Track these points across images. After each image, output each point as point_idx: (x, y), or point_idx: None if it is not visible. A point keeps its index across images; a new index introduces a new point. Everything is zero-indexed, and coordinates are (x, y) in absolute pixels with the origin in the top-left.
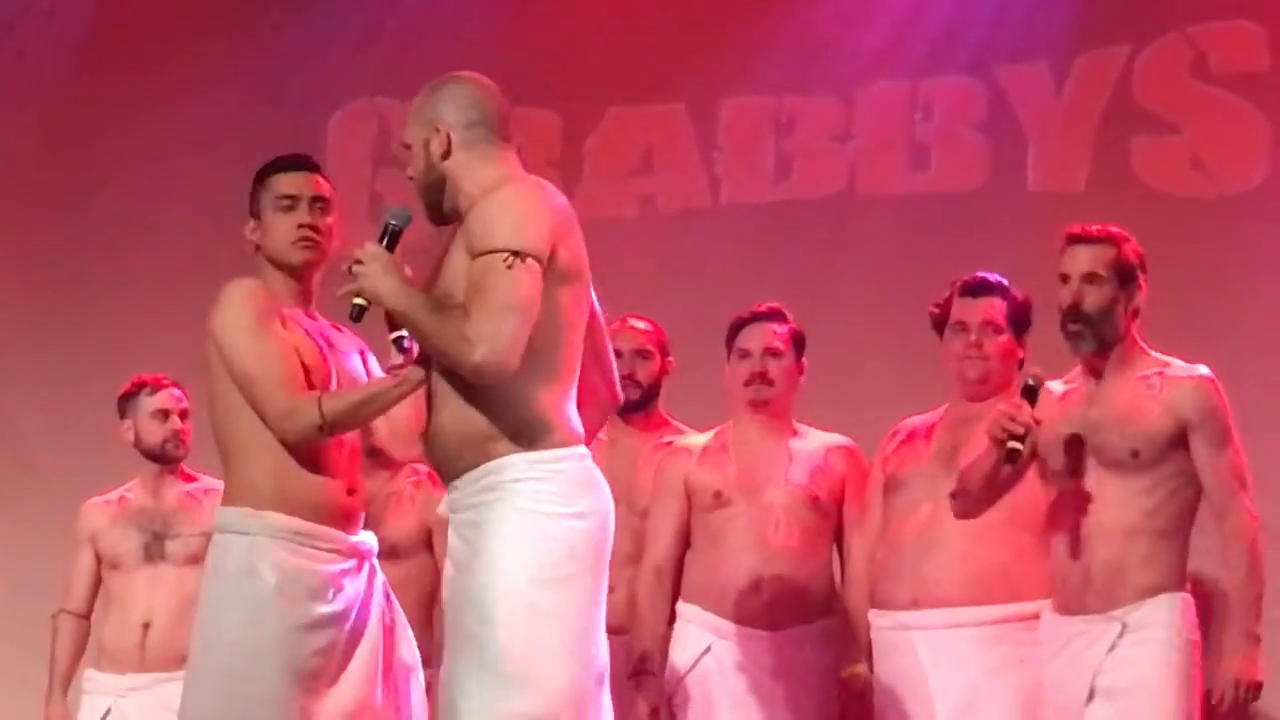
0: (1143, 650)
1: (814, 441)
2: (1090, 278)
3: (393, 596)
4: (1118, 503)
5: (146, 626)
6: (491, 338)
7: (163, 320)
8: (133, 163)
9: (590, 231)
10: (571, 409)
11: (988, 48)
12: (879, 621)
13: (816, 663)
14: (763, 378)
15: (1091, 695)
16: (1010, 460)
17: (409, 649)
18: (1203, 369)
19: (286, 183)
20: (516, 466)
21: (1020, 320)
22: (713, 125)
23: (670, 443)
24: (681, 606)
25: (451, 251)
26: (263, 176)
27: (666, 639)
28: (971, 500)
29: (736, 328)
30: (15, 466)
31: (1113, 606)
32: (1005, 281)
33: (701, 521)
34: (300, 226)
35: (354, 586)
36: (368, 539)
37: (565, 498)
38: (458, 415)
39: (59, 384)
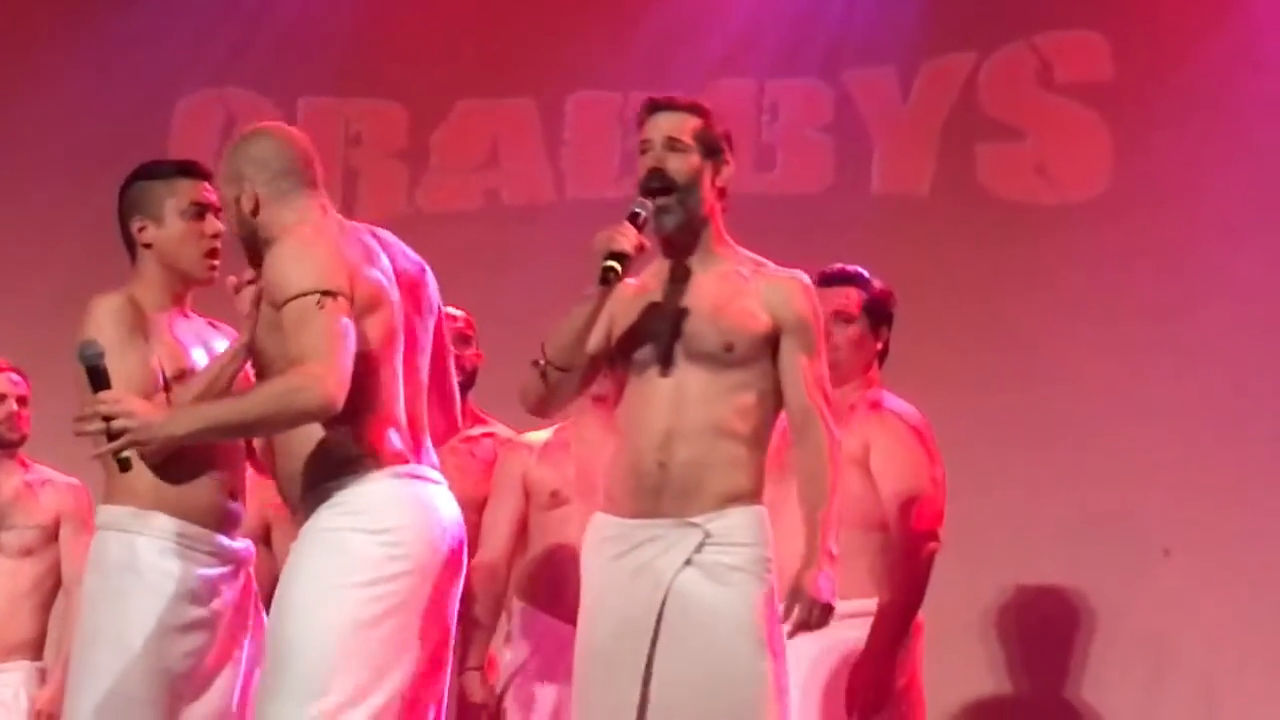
0: (725, 561)
1: None
2: (672, 144)
3: (261, 606)
4: (705, 400)
5: None
6: (333, 370)
7: (3, 308)
8: None
9: (434, 224)
10: (392, 433)
11: (835, 51)
12: None
13: None
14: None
15: (663, 606)
16: (605, 280)
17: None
18: (800, 273)
19: (196, 190)
20: (328, 492)
21: (876, 310)
22: (559, 120)
23: (481, 437)
24: (514, 603)
25: (263, 307)
26: (159, 176)
27: (490, 635)
28: (561, 365)
29: None
30: None
31: (691, 512)
32: (864, 273)
33: (538, 520)
34: (212, 236)
35: (230, 592)
36: (245, 545)
37: (366, 516)
38: (289, 461)
39: None
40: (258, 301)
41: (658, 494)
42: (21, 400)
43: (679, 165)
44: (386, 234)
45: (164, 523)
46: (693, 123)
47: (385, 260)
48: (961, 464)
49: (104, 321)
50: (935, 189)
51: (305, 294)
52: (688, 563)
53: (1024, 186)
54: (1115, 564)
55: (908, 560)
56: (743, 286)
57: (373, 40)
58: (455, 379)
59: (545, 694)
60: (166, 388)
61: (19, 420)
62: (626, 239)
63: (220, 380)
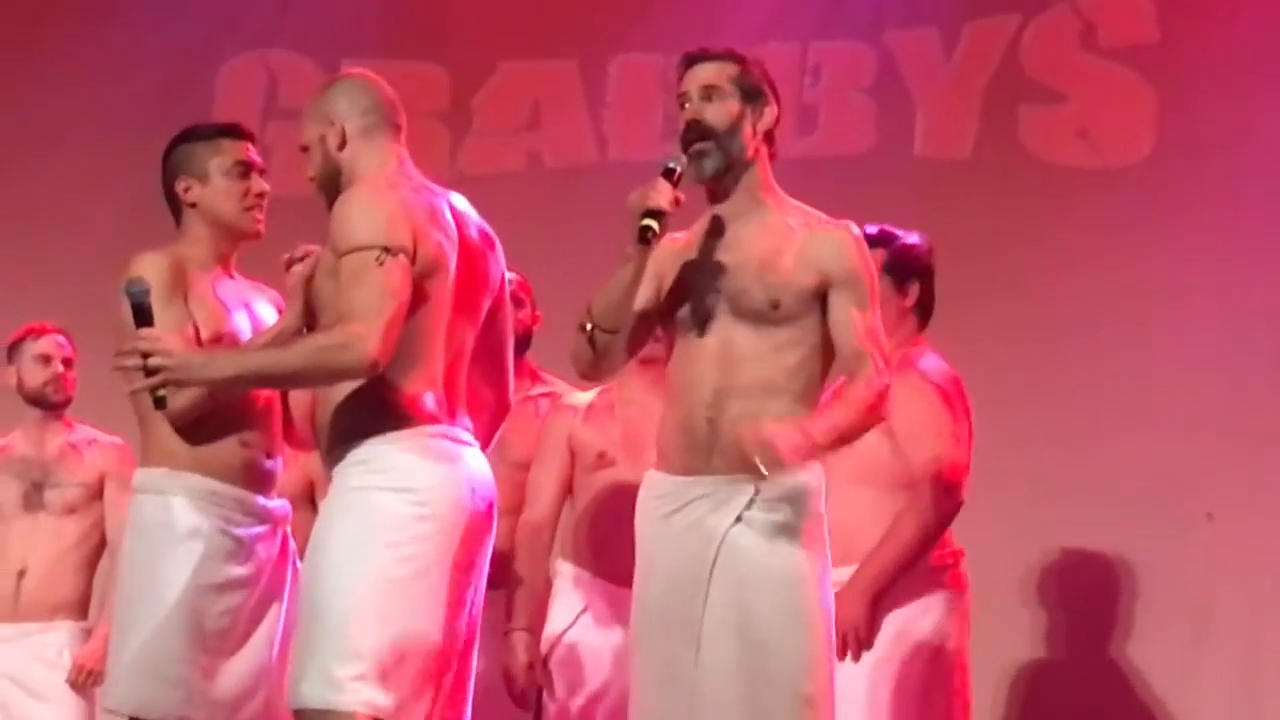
0: (776, 519)
1: None
2: (709, 92)
3: (299, 563)
4: (754, 358)
5: (21, 575)
6: (380, 330)
7: (48, 270)
8: (15, 115)
9: (476, 187)
10: (428, 394)
11: (878, 12)
12: None
13: None
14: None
15: (714, 563)
16: (643, 239)
17: None
18: (850, 224)
19: (240, 149)
20: (361, 450)
21: (900, 266)
22: (602, 82)
23: (540, 396)
24: (560, 565)
25: (324, 251)
26: (202, 137)
27: (544, 597)
28: (608, 327)
29: None
30: None
31: (742, 470)
32: (890, 231)
33: (584, 481)
34: (257, 195)
35: (267, 551)
36: (281, 504)
37: (393, 474)
38: (329, 411)
39: None
40: (308, 281)
41: (708, 451)
42: (67, 362)
43: (717, 112)
44: (462, 201)
45: (199, 483)
46: (730, 69)
47: (452, 226)
48: (1003, 424)
49: (147, 275)
50: (978, 151)
51: (367, 248)
52: (739, 520)
53: (1067, 149)
54: (1157, 525)
55: (926, 511)
56: (789, 239)
57: (415, 2)
58: (511, 357)
59: (592, 655)
60: (202, 349)
61: (64, 382)
62: (662, 195)
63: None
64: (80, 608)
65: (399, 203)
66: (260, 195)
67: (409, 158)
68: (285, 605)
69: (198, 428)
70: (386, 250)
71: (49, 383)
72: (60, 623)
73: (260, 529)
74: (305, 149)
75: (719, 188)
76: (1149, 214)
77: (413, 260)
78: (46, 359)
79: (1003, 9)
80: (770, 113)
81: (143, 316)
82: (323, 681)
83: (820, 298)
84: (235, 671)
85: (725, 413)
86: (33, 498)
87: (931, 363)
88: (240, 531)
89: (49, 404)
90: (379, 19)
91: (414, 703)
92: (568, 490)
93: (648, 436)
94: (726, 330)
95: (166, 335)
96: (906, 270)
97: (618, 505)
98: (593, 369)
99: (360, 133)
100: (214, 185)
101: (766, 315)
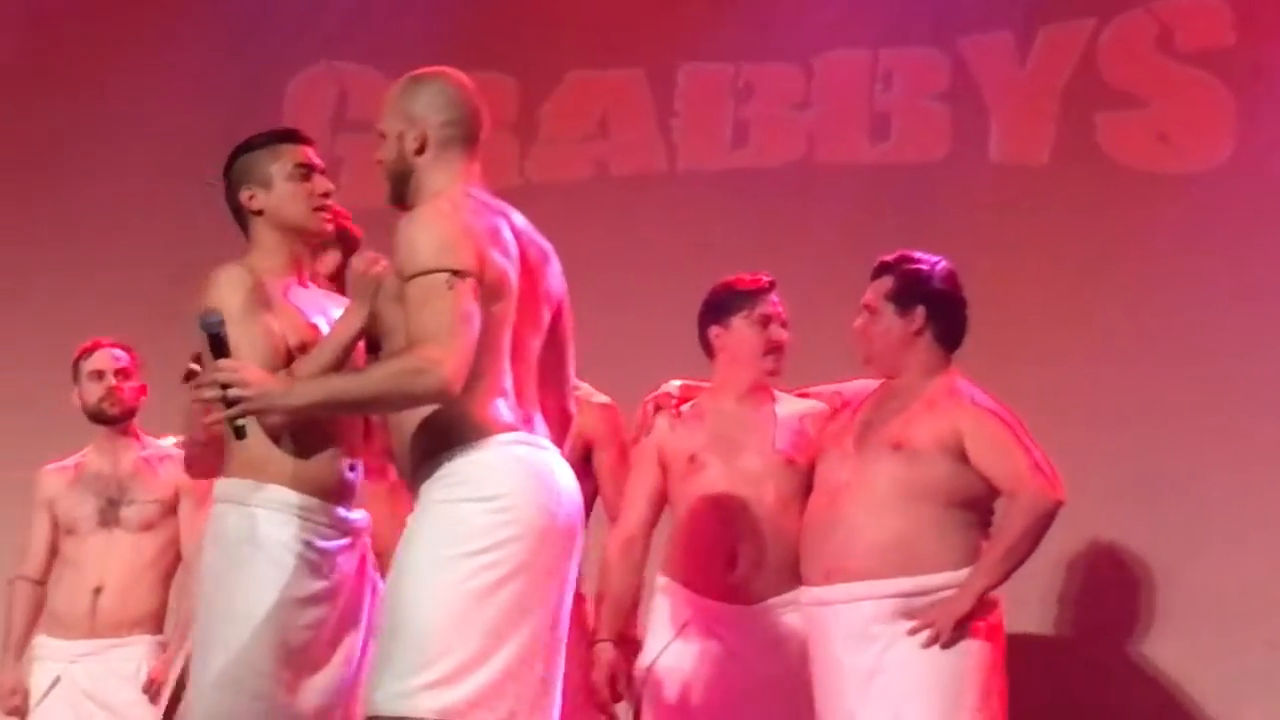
0: None
1: (792, 407)
2: None
3: (377, 576)
4: None
5: (98, 592)
6: (454, 354)
7: (115, 283)
8: (85, 129)
9: (544, 195)
10: (501, 403)
11: (950, 17)
12: (803, 598)
13: (793, 634)
14: (782, 348)
15: None
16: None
17: None
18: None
19: (301, 152)
20: (439, 464)
21: (903, 294)
22: (670, 91)
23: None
24: (658, 580)
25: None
26: (261, 145)
27: (631, 608)
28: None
29: (753, 294)
30: None
31: None
32: (907, 256)
33: (678, 490)
34: (322, 195)
35: (348, 564)
36: (362, 516)
37: (476, 485)
38: (402, 434)
39: (3, 352)
40: (373, 293)
41: None
42: (122, 373)
43: None
44: (518, 216)
45: (281, 495)
46: None
47: (513, 245)
48: (1080, 432)
49: (225, 291)
50: (1054, 158)
51: (435, 271)
52: None
53: (1146, 154)
54: (1179, 524)
55: (1028, 515)
56: None
57: (482, 13)
58: (572, 367)
59: (689, 673)
60: (290, 358)
61: (120, 394)
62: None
63: (340, 355)
64: (156, 622)
65: (464, 226)
66: (325, 194)
67: (478, 174)
68: (365, 618)
69: (280, 439)
70: (455, 273)
71: (104, 397)
72: (137, 637)
73: (342, 541)
74: (382, 135)
75: None
76: (1230, 218)
77: (480, 282)
78: (99, 374)
79: (1078, 13)
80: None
81: (219, 347)
82: (397, 690)
83: None
84: (317, 686)
85: None
86: (108, 514)
87: (977, 393)
88: (322, 544)
89: (108, 418)
90: (447, 29)
91: (494, 710)
92: (661, 501)
93: (739, 441)
94: None
95: (244, 365)
96: (910, 294)
97: (713, 514)
98: None
99: (439, 142)
100: (278, 190)
101: None
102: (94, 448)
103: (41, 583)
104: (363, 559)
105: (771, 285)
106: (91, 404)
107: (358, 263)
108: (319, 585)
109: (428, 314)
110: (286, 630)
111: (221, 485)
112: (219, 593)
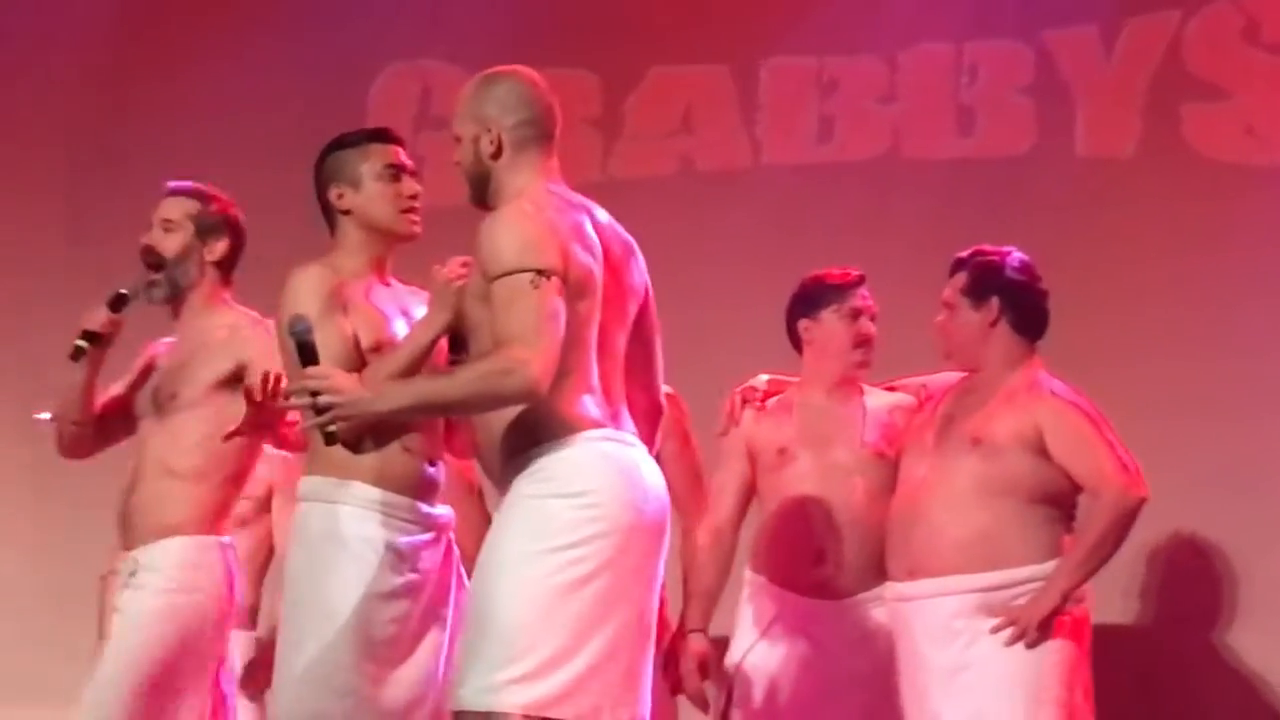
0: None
1: (881, 400)
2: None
3: (463, 571)
4: None
5: None
6: (541, 354)
7: None
8: (172, 128)
9: (628, 191)
10: (588, 399)
11: (1034, 10)
12: (887, 593)
13: (881, 630)
14: (871, 342)
15: None
16: (74, 357)
17: None
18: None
19: (392, 153)
20: (526, 461)
21: (974, 283)
22: (754, 86)
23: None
24: (747, 575)
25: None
26: (352, 144)
27: (713, 600)
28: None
29: (843, 288)
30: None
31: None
32: (981, 249)
33: (767, 482)
34: (410, 196)
35: (432, 559)
36: (445, 512)
37: (563, 481)
38: (489, 432)
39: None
40: (454, 301)
41: None
42: None
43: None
44: (600, 211)
45: (365, 491)
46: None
47: (596, 242)
48: (1168, 427)
49: (302, 292)
50: (1140, 151)
51: (520, 271)
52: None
53: (1233, 147)
54: (1259, 516)
55: (1106, 517)
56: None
57: (565, 9)
58: (660, 360)
59: (777, 670)
60: (363, 359)
61: None
62: (95, 319)
63: (418, 358)
64: (250, 617)
65: (547, 224)
66: (414, 196)
67: (557, 169)
68: (451, 613)
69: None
70: (540, 273)
71: None
72: (231, 632)
73: (425, 536)
74: (457, 138)
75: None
76: None
77: (564, 280)
78: None
79: (1163, 5)
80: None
81: (307, 355)
82: (483, 685)
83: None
84: (403, 681)
85: None
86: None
87: (1058, 385)
88: (406, 540)
89: None
90: (530, 26)
91: (578, 705)
92: (750, 494)
93: (828, 434)
94: None
95: (334, 372)
96: (984, 287)
97: (802, 508)
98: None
99: (514, 144)
100: (366, 190)
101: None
102: None
103: None
104: (447, 553)
105: (861, 279)
106: None
107: (441, 268)
108: (403, 580)
109: (514, 314)
110: (372, 625)
111: (305, 483)
112: (304, 589)
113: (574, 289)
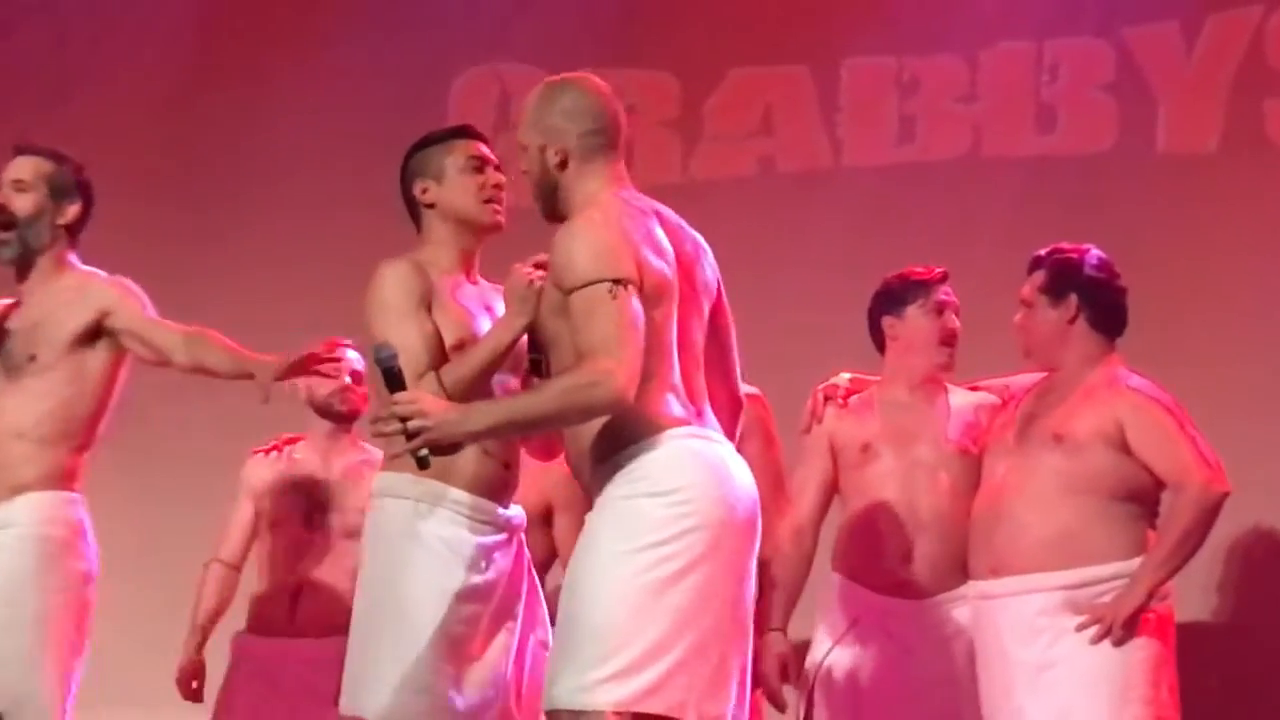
0: None
1: (965, 398)
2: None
3: (534, 571)
4: None
5: (297, 594)
6: (624, 364)
7: (287, 283)
8: (254, 132)
9: (708, 192)
10: (671, 398)
11: (1115, 7)
12: (969, 592)
13: (965, 630)
14: (955, 337)
15: None
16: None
17: (544, 623)
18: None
19: (475, 146)
20: (616, 464)
21: (1053, 280)
22: (834, 86)
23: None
24: (828, 574)
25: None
26: (435, 141)
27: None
28: None
29: (928, 284)
30: (137, 427)
31: None
32: (1059, 247)
33: (850, 479)
34: (493, 187)
35: (505, 559)
36: (518, 513)
37: (652, 480)
38: (578, 439)
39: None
40: (533, 303)
41: None
42: (355, 376)
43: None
44: (668, 212)
45: (439, 490)
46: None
47: (668, 246)
48: (1250, 427)
49: (388, 287)
50: (1223, 147)
51: (596, 282)
52: None
53: None
54: None
55: (1189, 513)
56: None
57: (643, 11)
58: (736, 355)
59: (862, 669)
60: (446, 356)
61: (350, 393)
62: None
63: (496, 359)
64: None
65: (620, 233)
66: (497, 187)
67: (625, 174)
68: (521, 614)
69: None
70: (616, 282)
71: (336, 393)
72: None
73: (498, 537)
74: (523, 147)
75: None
76: None
77: (640, 287)
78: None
79: (1245, 1)
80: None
81: (394, 381)
82: (576, 684)
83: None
84: (475, 680)
85: None
86: (314, 518)
87: (1138, 380)
88: (480, 539)
89: (334, 414)
90: (608, 28)
91: (665, 699)
92: (832, 490)
93: (912, 431)
94: None
95: (422, 396)
96: (1063, 284)
97: (886, 506)
98: None
99: (581, 155)
100: (450, 182)
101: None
102: (308, 444)
103: (236, 568)
104: (518, 555)
105: (945, 275)
106: (321, 398)
107: (521, 266)
108: (476, 580)
109: (594, 326)
110: (446, 625)
111: (380, 479)
112: (379, 587)
113: (650, 294)
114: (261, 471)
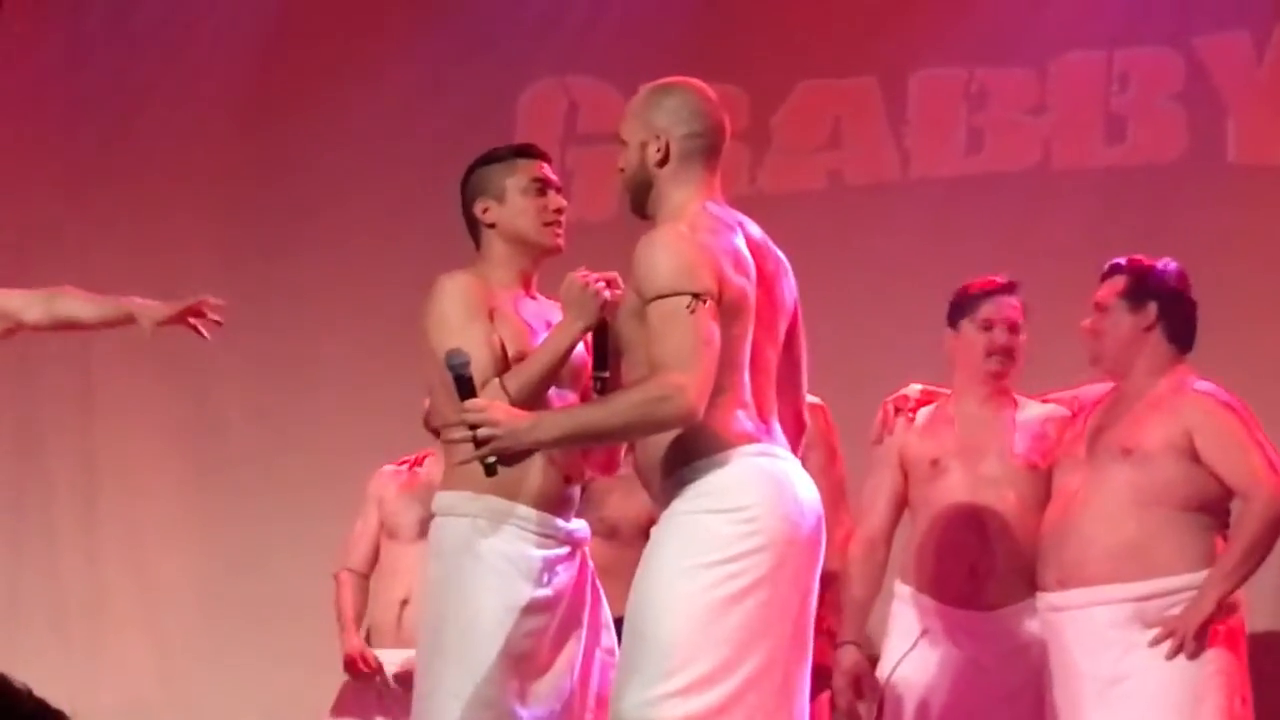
0: None
1: (1034, 411)
2: None
3: (599, 584)
4: None
5: (404, 604)
6: (696, 379)
7: (355, 303)
8: (321, 147)
9: (776, 206)
10: (741, 414)
11: (1185, 16)
12: (1039, 604)
13: (1035, 641)
14: (1006, 352)
15: None
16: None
17: (609, 635)
18: None
19: (535, 167)
20: (682, 478)
21: (1133, 288)
22: (902, 98)
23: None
24: (897, 587)
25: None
26: (498, 159)
27: (865, 612)
28: None
29: (977, 297)
30: (216, 440)
31: None
32: (1136, 258)
33: (919, 494)
34: (555, 210)
35: (567, 573)
36: (581, 526)
37: (718, 496)
38: (646, 452)
39: (255, 363)
40: (591, 309)
41: None
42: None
43: None
44: (756, 229)
45: (500, 505)
46: None
47: (750, 263)
48: None
49: (448, 297)
50: None
51: (676, 294)
52: None
53: None
54: None
55: (1258, 521)
56: None
57: (711, 23)
58: (805, 376)
59: (929, 683)
60: (508, 367)
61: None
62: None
63: (555, 366)
64: None
65: (703, 247)
66: (558, 211)
67: (718, 187)
68: (586, 628)
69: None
70: (695, 296)
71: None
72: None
73: (561, 551)
74: (623, 141)
75: None
76: None
77: (719, 302)
78: None
79: None
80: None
81: (465, 388)
82: (641, 700)
83: None
84: (540, 694)
85: None
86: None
87: (1206, 385)
88: (542, 554)
89: (431, 428)
90: (677, 41)
91: (732, 716)
92: (902, 504)
93: (981, 445)
94: None
95: (492, 405)
96: (1143, 291)
97: (954, 520)
98: None
99: (681, 155)
100: (511, 203)
101: None
102: (434, 456)
103: (365, 576)
104: (582, 568)
105: (1005, 287)
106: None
107: (575, 274)
108: (539, 594)
109: (669, 339)
110: (509, 640)
111: (441, 498)
112: (443, 603)
113: (728, 311)
114: (384, 483)
